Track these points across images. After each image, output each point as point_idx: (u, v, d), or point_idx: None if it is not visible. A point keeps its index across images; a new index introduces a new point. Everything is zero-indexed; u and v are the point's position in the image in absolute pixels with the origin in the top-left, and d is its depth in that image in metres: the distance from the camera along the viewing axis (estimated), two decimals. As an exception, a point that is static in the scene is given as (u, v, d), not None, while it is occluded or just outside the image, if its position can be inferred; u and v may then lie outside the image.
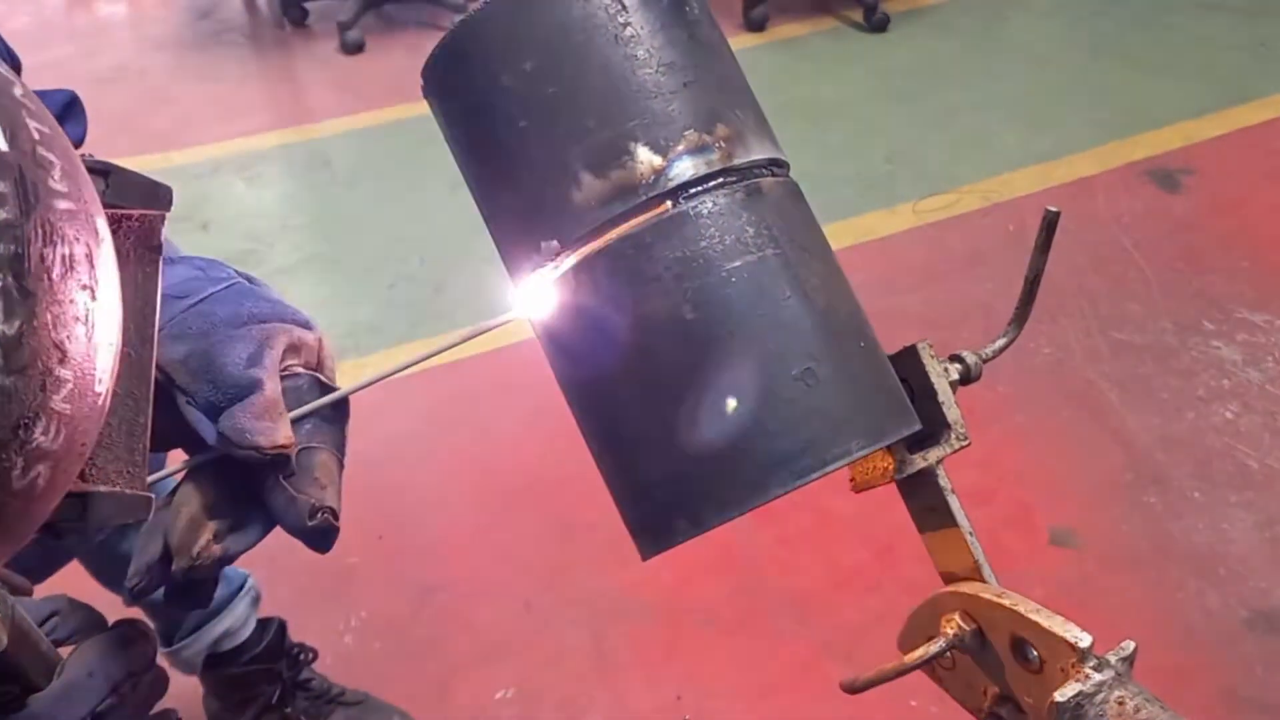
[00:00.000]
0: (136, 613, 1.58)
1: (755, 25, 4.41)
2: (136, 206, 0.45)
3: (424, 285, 2.87)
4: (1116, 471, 2.22)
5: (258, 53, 4.60)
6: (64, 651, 0.63)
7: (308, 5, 4.71)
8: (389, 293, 2.89)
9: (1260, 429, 2.30)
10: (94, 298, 0.36)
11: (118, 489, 0.45)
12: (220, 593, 1.63)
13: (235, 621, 1.64)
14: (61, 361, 0.35)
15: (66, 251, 0.34)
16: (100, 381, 0.38)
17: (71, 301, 0.35)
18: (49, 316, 0.34)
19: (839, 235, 3.00)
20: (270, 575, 1.77)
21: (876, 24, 4.34)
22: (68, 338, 0.35)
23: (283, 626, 1.74)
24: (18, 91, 0.35)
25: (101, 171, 0.43)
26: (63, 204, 0.35)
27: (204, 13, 4.94)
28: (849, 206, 3.17)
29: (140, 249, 0.46)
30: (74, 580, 0.90)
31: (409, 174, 3.37)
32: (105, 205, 0.42)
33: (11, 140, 0.33)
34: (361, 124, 3.84)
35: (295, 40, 4.65)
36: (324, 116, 4.00)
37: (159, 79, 4.33)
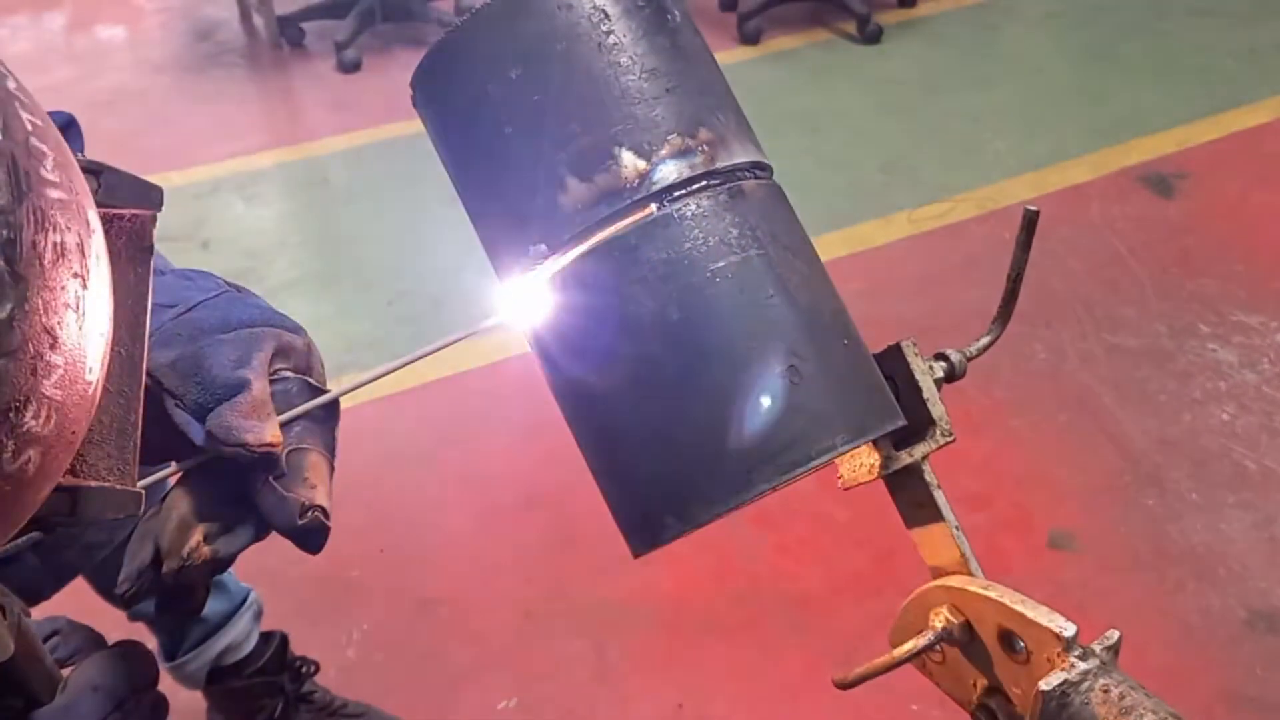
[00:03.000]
0: (140, 629, 1.59)
1: (750, 38, 4.44)
2: (128, 206, 0.46)
3: (423, 300, 2.88)
4: (1114, 474, 2.23)
5: (255, 73, 4.63)
6: (65, 673, 0.64)
7: (305, 26, 4.74)
8: (388, 308, 2.91)
9: (1257, 430, 2.31)
10: (85, 286, 0.37)
11: (108, 484, 0.46)
12: (223, 607, 1.64)
13: (238, 636, 1.65)
14: (53, 347, 0.35)
15: (58, 239, 0.35)
16: (91, 370, 0.38)
17: (63, 288, 0.35)
18: (40, 301, 0.34)
19: (835, 244, 3.01)
20: (273, 590, 1.77)
21: (870, 36, 4.37)
22: (59, 324, 0.35)
23: (285, 640, 1.74)
24: (11, 85, 0.36)
25: (94, 171, 0.44)
26: (55, 193, 0.35)
27: (202, 35, 4.97)
28: (845, 216, 3.19)
29: (132, 248, 0.47)
30: (72, 604, 0.91)
31: (406, 190, 3.39)
32: (98, 204, 0.42)
33: (5, 130, 0.34)
34: (359, 142, 3.86)
35: (293, 60, 4.67)
36: (322, 135, 4.02)
37: (158, 100, 4.35)
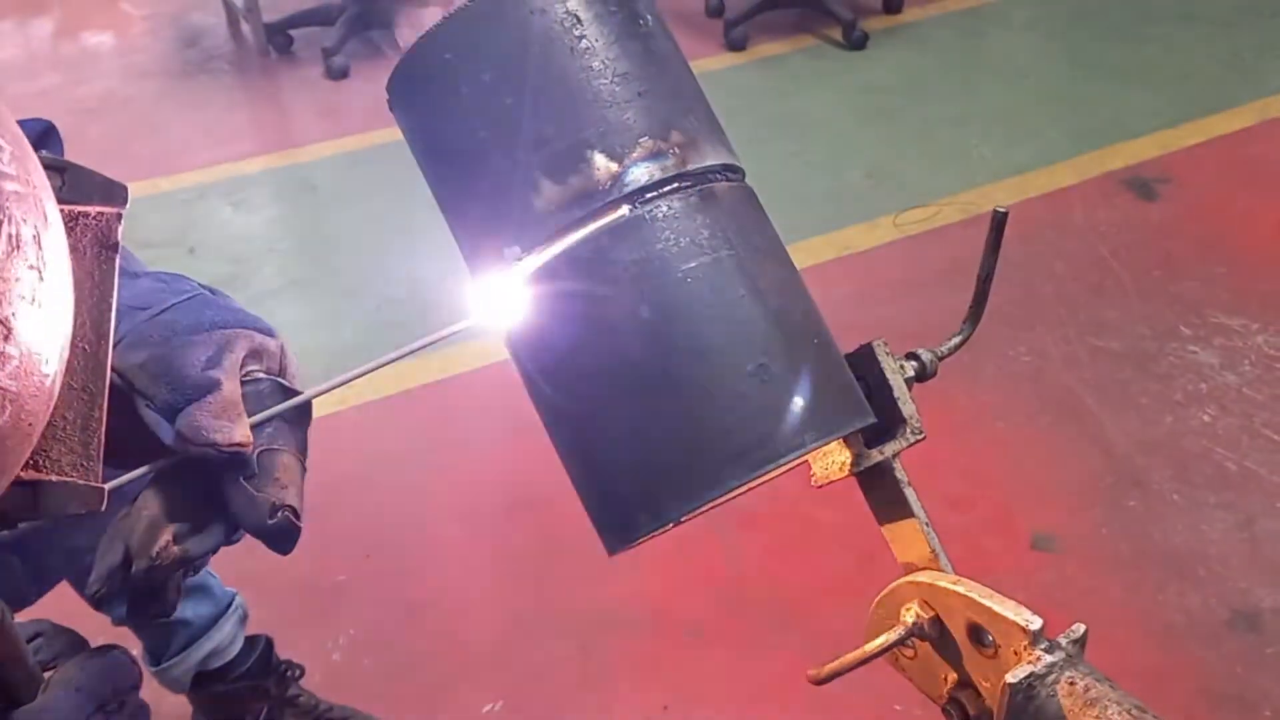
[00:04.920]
0: (125, 633, 1.59)
1: (736, 45, 4.45)
2: (93, 203, 0.46)
3: (409, 306, 2.89)
4: (1097, 476, 2.24)
5: (243, 80, 4.62)
6: (47, 675, 0.64)
7: (293, 32, 4.73)
8: (374, 314, 2.91)
9: (1238, 431, 2.33)
10: (42, 278, 0.37)
11: (71, 479, 0.46)
12: (208, 612, 1.64)
13: (223, 640, 1.64)
14: (7, 338, 0.35)
15: (13, 231, 0.35)
16: (48, 362, 0.39)
17: (18, 279, 0.36)
18: None
19: (820, 249, 3.03)
20: (259, 594, 1.77)
21: (855, 41, 4.39)
22: (13, 315, 0.35)
23: (270, 644, 1.74)
24: None
25: (58, 168, 0.44)
26: (10, 185, 0.36)
27: (190, 42, 4.96)
28: (830, 221, 3.20)
29: (97, 246, 0.47)
30: (56, 610, 0.91)
31: (393, 197, 3.39)
32: (62, 201, 0.43)
33: None
34: (346, 148, 3.86)
35: (281, 67, 4.67)
36: (309, 141, 4.02)
37: (145, 107, 4.34)
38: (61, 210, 0.41)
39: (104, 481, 0.49)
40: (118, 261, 0.48)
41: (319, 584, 2.06)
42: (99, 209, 0.47)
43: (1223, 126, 3.63)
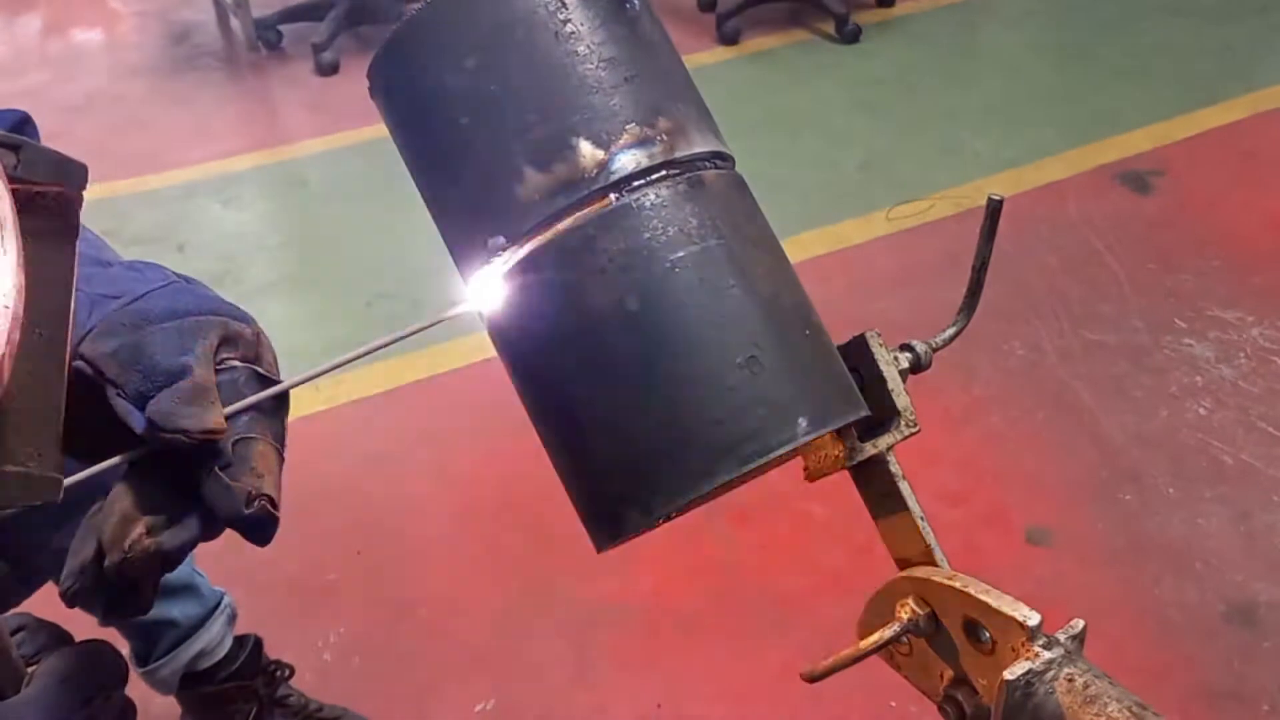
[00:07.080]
0: (114, 634, 1.57)
1: (728, 38, 4.44)
2: (50, 183, 0.45)
3: (401, 302, 2.87)
4: (1092, 470, 2.23)
5: (233, 77, 4.60)
6: (30, 671, 0.62)
7: (282, 28, 4.71)
8: (366, 310, 2.89)
9: (1233, 424, 2.32)
10: None
11: (26, 469, 0.44)
12: (196, 612, 1.62)
13: (211, 640, 1.63)
14: None
15: None
16: None
17: None
18: None
19: (814, 243, 3.01)
20: (249, 593, 1.76)
21: (848, 35, 4.38)
22: None
23: (259, 643, 1.73)
24: None
25: (12, 146, 0.42)
26: None
27: (179, 38, 4.94)
28: (823, 215, 3.19)
29: (54, 226, 0.45)
30: (44, 613, 0.90)
31: (384, 192, 3.37)
32: (16, 180, 0.41)
33: None
34: (337, 144, 3.84)
35: (270, 63, 4.65)
36: (300, 138, 4.00)
37: (134, 104, 4.32)
38: (16, 190, 0.40)
39: (71, 473, 0.47)
40: (77, 244, 0.46)
41: (308, 583, 2.05)
42: (57, 189, 0.45)
43: (1216, 119, 3.63)
